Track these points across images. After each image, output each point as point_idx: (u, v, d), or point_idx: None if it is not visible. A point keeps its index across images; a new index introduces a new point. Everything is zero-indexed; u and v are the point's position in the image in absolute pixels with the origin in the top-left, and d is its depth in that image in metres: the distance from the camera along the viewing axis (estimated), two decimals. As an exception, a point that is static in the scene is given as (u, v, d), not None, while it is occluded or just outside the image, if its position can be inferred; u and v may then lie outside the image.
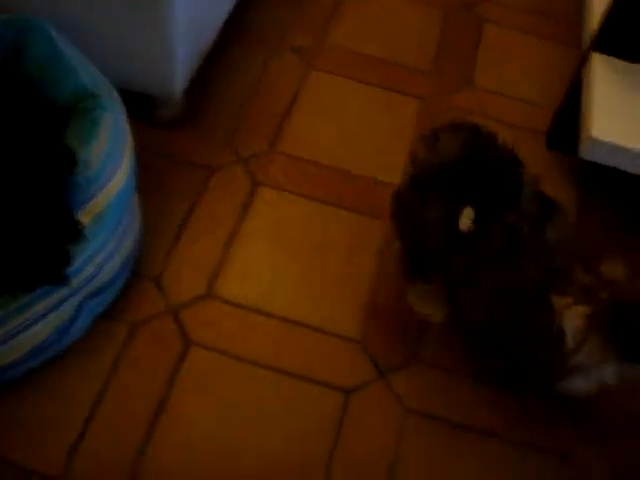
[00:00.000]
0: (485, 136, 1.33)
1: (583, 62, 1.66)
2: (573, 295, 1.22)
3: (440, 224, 1.31)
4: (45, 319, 1.28)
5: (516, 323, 1.29)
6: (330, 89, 1.85)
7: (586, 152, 1.51)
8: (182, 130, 1.70)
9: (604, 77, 1.59)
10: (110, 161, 1.29)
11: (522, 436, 1.40)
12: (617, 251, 1.28)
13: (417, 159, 1.36)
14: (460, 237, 1.29)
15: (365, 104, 1.83)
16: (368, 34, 1.99)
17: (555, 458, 1.38)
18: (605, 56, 1.63)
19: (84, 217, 1.27)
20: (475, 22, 2.10)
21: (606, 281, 1.22)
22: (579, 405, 1.41)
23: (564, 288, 1.23)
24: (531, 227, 1.26)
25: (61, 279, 1.25)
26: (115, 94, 1.38)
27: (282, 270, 1.53)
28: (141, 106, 1.64)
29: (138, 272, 1.47)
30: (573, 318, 1.21)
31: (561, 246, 1.27)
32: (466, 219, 1.27)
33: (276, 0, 2.03)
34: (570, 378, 1.29)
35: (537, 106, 1.91)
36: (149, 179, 1.57)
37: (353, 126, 1.78)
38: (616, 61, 1.63)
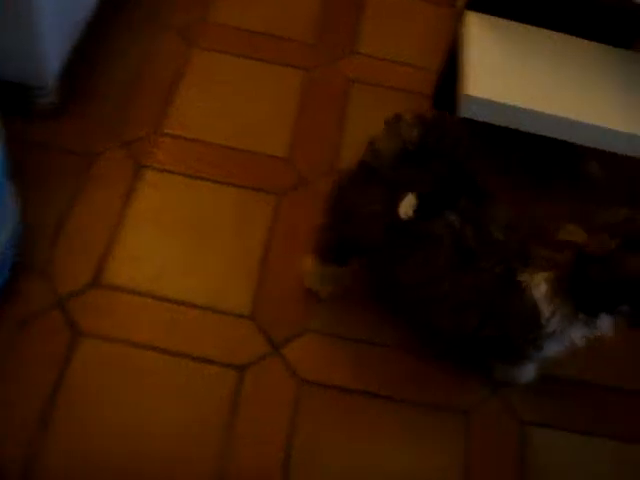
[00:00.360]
0: (444, 127, 1.29)
1: (459, 22, 1.67)
2: (536, 266, 1.22)
3: (381, 216, 1.28)
4: None
5: (489, 314, 1.29)
6: (213, 67, 1.83)
7: (463, 110, 1.52)
8: (63, 119, 1.66)
9: (478, 35, 1.60)
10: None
11: (418, 396, 1.41)
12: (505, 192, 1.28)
13: (373, 142, 1.30)
14: (400, 229, 1.26)
15: (249, 79, 1.82)
16: (249, 9, 1.97)
17: (456, 414, 1.40)
18: (479, 14, 1.64)
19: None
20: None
21: (565, 245, 1.22)
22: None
23: (526, 265, 1.23)
24: (474, 227, 1.24)
25: None
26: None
27: (171, 252, 1.51)
28: (20, 99, 1.61)
29: (23, 265, 1.43)
30: (539, 286, 1.21)
31: (508, 231, 1.25)
32: (406, 206, 1.23)
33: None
34: (546, 346, 1.30)
35: (422, 69, 1.92)
36: (30, 171, 1.55)
37: (237, 102, 1.77)
38: (491, 19, 1.64)
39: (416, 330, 1.47)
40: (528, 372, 1.45)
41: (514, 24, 1.65)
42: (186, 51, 1.85)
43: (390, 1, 2.08)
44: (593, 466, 1.39)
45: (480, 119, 1.54)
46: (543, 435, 1.41)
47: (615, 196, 1.77)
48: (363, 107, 1.81)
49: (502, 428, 1.41)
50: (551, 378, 1.46)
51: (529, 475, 1.36)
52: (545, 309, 1.23)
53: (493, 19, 1.65)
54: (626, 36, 1.70)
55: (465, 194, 1.25)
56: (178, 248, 1.52)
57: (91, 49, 1.77)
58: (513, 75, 1.55)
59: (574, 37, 1.67)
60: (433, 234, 1.24)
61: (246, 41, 1.90)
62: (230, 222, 1.57)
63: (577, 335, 1.26)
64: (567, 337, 1.26)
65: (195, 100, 1.75)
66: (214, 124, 1.72)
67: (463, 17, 1.65)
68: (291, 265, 1.52)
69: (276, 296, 1.48)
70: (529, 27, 1.66)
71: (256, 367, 1.39)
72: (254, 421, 1.34)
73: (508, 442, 1.39)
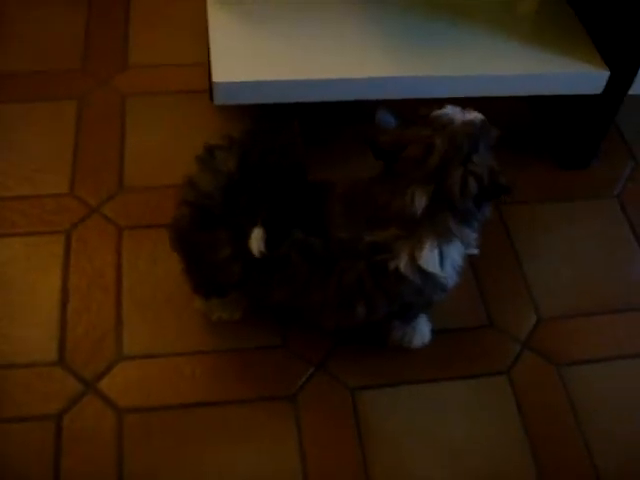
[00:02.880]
0: (262, 142, 1.22)
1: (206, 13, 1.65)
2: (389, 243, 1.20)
3: (234, 258, 1.23)
4: None
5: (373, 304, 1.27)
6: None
7: (218, 98, 1.50)
8: None
9: (221, 21, 1.58)
10: None
11: (242, 394, 1.40)
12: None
13: (194, 183, 1.24)
14: (258, 264, 1.21)
15: (25, 125, 1.76)
16: (9, 51, 1.91)
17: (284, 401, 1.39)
18: (221, 1, 1.62)
19: None
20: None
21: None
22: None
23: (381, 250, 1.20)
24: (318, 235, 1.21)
25: None
26: None
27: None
28: None
29: None
30: (401, 258, 1.19)
31: (348, 224, 1.22)
32: (257, 243, 1.17)
33: None
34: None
35: (196, 65, 1.89)
36: None
37: (12, 150, 1.71)
38: (232, 3, 1.63)
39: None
40: (424, 333, 1.45)
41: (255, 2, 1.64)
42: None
43: (152, 6, 2.04)
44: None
45: (239, 102, 1.53)
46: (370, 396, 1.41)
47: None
48: (142, 119, 1.78)
49: (333, 402, 1.40)
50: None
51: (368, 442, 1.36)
52: (418, 277, 1.21)
53: (234, 3, 1.63)
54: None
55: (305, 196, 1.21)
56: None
57: None
58: (264, 51, 1.54)
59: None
60: (282, 257, 1.20)
61: (7, 85, 1.84)
62: (22, 273, 1.52)
63: (457, 257, 1.24)
64: (456, 264, 1.25)
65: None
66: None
67: (206, 6, 1.63)
68: (92, 298, 1.49)
69: (82, 334, 1.45)
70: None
71: (73, 410, 1.36)
72: (82, 463, 1.30)
73: (341, 414, 1.39)
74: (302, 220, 1.21)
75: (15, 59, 1.89)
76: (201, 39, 1.91)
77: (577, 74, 1.60)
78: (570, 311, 1.56)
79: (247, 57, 1.53)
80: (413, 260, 1.20)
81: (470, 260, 1.33)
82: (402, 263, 1.20)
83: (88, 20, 2.00)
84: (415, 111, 1.21)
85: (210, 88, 1.80)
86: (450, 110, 1.19)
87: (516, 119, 1.88)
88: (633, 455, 1.38)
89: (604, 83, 1.60)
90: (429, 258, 1.20)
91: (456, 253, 1.24)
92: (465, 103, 1.20)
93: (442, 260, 1.22)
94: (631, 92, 1.64)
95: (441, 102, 1.20)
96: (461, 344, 1.49)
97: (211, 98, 1.80)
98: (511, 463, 1.35)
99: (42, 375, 1.40)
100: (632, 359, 1.50)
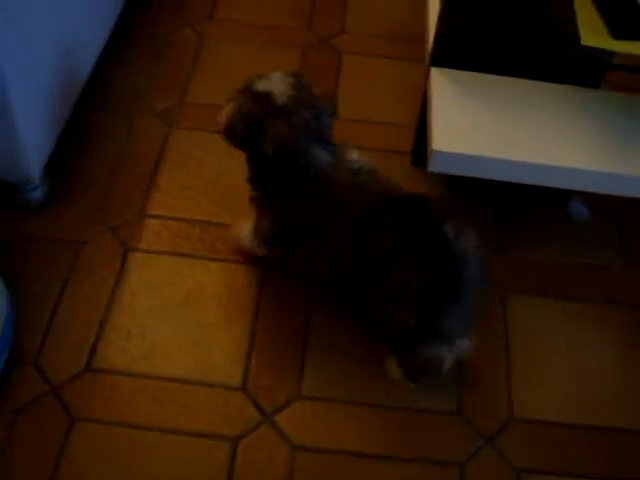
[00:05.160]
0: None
1: (426, 79, 1.71)
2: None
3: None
4: None
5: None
6: (192, 145, 1.88)
7: (432, 165, 1.54)
8: (50, 209, 1.71)
9: (443, 90, 1.64)
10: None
11: (411, 453, 1.41)
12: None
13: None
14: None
15: (225, 154, 1.85)
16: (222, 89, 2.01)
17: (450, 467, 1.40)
18: (443, 70, 1.68)
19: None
20: (332, 55, 2.15)
21: None
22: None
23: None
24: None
25: None
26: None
27: (160, 331, 1.54)
28: (6, 194, 1.67)
29: (16, 357, 1.47)
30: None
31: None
32: None
33: (133, 64, 2.06)
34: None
35: (399, 126, 1.95)
36: (19, 264, 1.59)
37: (217, 177, 1.81)
38: (455, 72, 1.68)
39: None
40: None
41: (479, 75, 1.69)
42: (167, 132, 1.90)
43: (363, 62, 2.13)
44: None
45: (452, 173, 1.57)
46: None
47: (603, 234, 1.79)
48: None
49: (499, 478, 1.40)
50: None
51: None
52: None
53: (457, 73, 1.68)
54: (593, 76, 1.72)
55: None
56: (168, 326, 1.55)
57: (75, 138, 1.83)
58: (481, 126, 1.58)
59: (540, 82, 1.69)
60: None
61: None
62: (217, 296, 1.59)
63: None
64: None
65: (176, 179, 1.79)
66: (196, 201, 1.76)
67: (428, 74, 1.69)
68: (279, 334, 1.55)
69: (265, 365, 1.50)
70: (493, 77, 1.69)
71: (248, 437, 1.41)
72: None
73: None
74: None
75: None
76: (407, 101, 1.97)
77: None
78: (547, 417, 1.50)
79: (466, 129, 1.57)
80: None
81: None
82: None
83: (302, 68, 2.09)
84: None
85: (413, 151, 1.86)
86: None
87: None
88: None
89: None
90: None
91: None
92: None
93: None
94: None
95: None
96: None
97: (413, 162, 1.86)
98: None
99: (224, 397, 1.46)
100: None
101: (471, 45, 1.66)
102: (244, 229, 1.59)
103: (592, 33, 1.52)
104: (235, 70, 2.06)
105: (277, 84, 1.41)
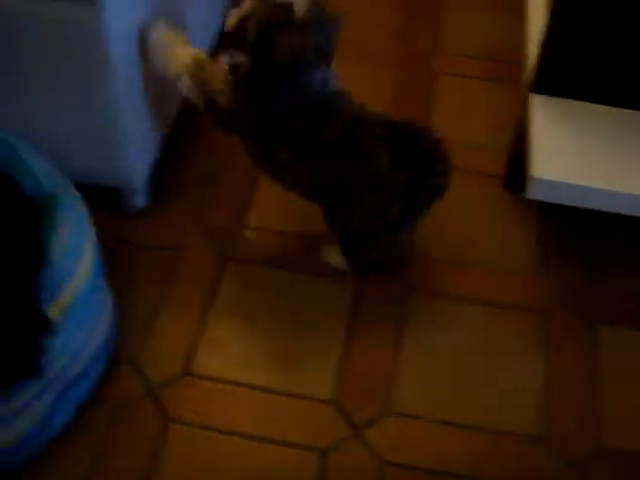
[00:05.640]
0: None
1: (524, 104, 1.72)
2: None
3: None
4: (24, 413, 1.33)
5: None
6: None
7: (531, 192, 1.56)
8: (150, 215, 1.76)
9: (542, 116, 1.64)
10: (71, 256, 1.36)
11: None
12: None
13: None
14: None
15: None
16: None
17: None
18: (543, 96, 1.68)
19: (52, 311, 1.33)
20: (427, 73, 2.17)
21: None
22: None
23: None
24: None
25: (35, 372, 1.31)
26: (74, 191, 1.45)
27: (255, 341, 1.58)
28: (109, 200, 1.73)
29: (115, 357, 1.52)
30: None
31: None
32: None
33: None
34: None
35: (491, 148, 1.96)
36: (121, 266, 1.64)
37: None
38: (555, 100, 1.68)
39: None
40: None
41: (580, 104, 1.69)
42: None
43: (462, 84, 2.14)
44: None
45: (551, 200, 1.58)
46: None
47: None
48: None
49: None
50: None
51: None
52: None
53: (558, 100, 1.69)
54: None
55: None
56: (262, 337, 1.59)
57: (177, 147, 1.88)
58: (582, 155, 1.59)
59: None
60: None
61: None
62: (310, 309, 1.63)
63: None
64: None
65: (274, 191, 1.82)
66: (294, 213, 1.80)
67: (528, 100, 1.70)
68: (372, 350, 1.58)
69: (357, 379, 1.53)
70: (596, 106, 1.69)
71: (338, 450, 1.44)
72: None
73: None
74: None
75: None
76: (500, 123, 1.98)
77: None
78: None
79: (568, 157, 1.57)
80: None
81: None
82: None
83: (396, 85, 2.12)
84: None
85: (505, 175, 1.87)
86: None
87: None
88: None
89: None
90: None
91: None
92: None
93: None
94: None
95: None
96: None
97: (505, 186, 1.87)
98: None
99: (314, 409, 1.49)
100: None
101: (577, 72, 1.65)
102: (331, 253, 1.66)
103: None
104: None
105: None
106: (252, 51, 1.40)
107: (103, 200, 1.67)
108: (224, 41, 1.47)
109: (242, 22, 1.40)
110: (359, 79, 2.08)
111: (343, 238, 1.60)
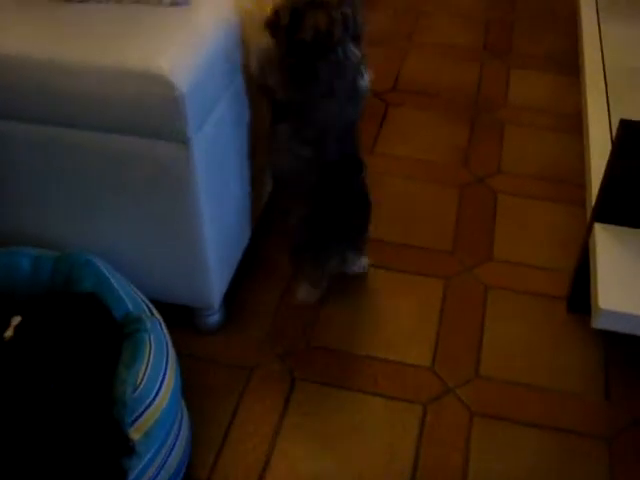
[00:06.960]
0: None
1: (588, 232, 1.76)
2: None
3: None
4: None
5: None
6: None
7: (597, 322, 1.58)
8: (223, 334, 1.83)
9: (607, 246, 1.68)
10: (155, 380, 1.42)
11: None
12: None
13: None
14: None
15: (391, 292, 1.96)
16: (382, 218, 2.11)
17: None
18: (607, 225, 1.73)
19: (134, 433, 1.38)
20: (488, 195, 2.24)
21: None
22: None
23: None
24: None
25: (118, 492, 1.36)
26: (156, 314, 1.53)
27: (325, 462, 1.61)
28: (186, 318, 1.80)
29: (190, 473, 1.56)
30: None
31: None
32: None
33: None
34: None
35: (554, 270, 2.00)
36: (194, 383, 1.70)
37: (380, 315, 1.90)
38: (619, 229, 1.73)
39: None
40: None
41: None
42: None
43: (523, 205, 2.20)
44: None
45: (617, 330, 1.61)
46: None
47: None
48: (502, 312, 1.91)
49: None
50: None
51: None
52: None
53: (623, 229, 1.73)
54: None
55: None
56: (331, 457, 1.62)
57: (249, 268, 1.96)
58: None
59: None
60: None
61: (392, 251, 2.07)
62: (379, 431, 1.66)
63: None
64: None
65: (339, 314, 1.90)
66: (359, 336, 1.85)
67: (592, 228, 1.74)
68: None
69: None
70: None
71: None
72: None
73: None
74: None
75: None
76: (562, 245, 2.03)
77: None
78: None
79: (634, 287, 1.61)
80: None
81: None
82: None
83: (459, 207, 2.19)
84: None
85: (569, 298, 1.90)
86: None
87: None
88: None
89: None
90: None
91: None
92: None
93: None
94: None
95: None
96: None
97: (569, 308, 1.90)
98: None
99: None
100: None
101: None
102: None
103: None
104: (395, 202, 2.20)
105: None
106: (286, 34, 1.51)
107: (177, 317, 1.73)
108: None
109: (277, 12, 1.52)
110: (424, 198, 2.17)
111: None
